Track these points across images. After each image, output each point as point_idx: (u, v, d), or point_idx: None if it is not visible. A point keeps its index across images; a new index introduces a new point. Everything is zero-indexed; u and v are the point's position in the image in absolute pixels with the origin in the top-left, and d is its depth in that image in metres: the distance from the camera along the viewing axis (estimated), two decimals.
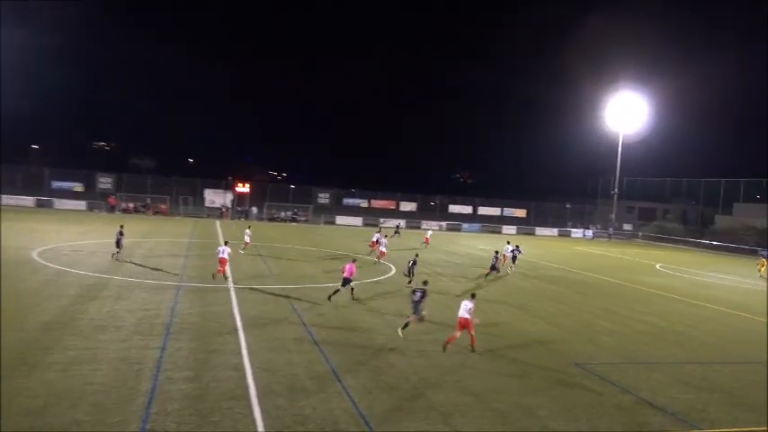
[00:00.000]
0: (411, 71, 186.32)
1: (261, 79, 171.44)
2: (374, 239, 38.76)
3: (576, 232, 79.03)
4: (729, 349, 19.76)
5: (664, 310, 26.57)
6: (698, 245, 71.31)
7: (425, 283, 18.86)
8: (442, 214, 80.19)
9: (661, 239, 77.58)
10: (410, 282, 26.83)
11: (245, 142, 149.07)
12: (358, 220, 71.04)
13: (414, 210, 79.05)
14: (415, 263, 27.85)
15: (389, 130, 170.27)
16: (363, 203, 77.75)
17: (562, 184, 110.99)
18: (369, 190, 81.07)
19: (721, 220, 79.11)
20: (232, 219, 65.50)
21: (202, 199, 68.58)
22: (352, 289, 22.63)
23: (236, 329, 16.93)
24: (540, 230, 77.49)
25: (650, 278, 38.11)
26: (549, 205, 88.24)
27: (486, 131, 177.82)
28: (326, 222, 69.14)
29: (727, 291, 34.59)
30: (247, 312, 19.13)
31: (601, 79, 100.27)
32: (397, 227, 58.71)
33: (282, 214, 69.41)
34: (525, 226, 78.76)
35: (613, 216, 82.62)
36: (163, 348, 14.67)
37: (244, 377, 13.05)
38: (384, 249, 35.13)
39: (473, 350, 16.53)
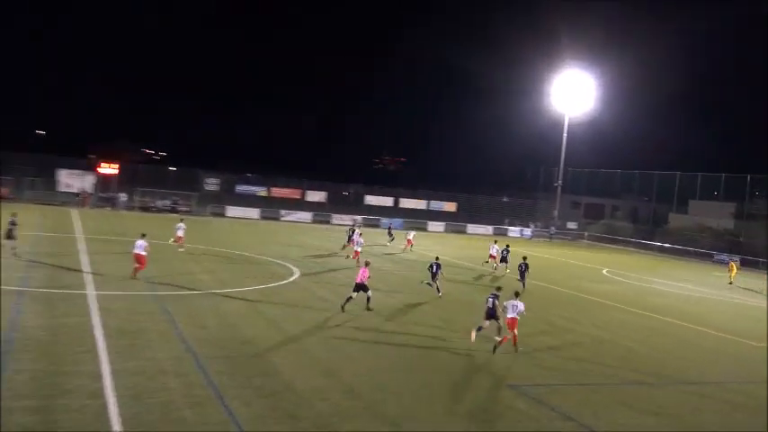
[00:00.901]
0: (327, 39, 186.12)
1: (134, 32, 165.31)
2: (351, 237, 41.86)
3: (514, 231, 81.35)
4: (680, 367, 20.82)
5: (610, 321, 27.72)
6: (649, 247, 75.09)
7: (499, 289, 21.08)
8: (357, 207, 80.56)
9: (609, 240, 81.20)
10: (439, 293, 28.85)
11: (112, 111, 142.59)
12: (254, 212, 70.31)
13: (323, 201, 79.02)
14: (438, 267, 29.50)
15: (295, 105, 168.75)
16: (261, 192, 77.03)
17: (498, 175, 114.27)
18: (268, 176, 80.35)
19: (675, 219, 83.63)
20: (93, 207, 63.16)
21: (55, 182, 65.69)
22: (368, 298, 23.91)
23: (95, 346, 16.34)
24: (472, 228, 79.29)
25: (596, 285, 39.70)
26: (484, 199, 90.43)
27: (412, 112, 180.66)
28: (214, 214, 67.93)
29: (679, 300, 36.57)
30: (111, 324, 18.52)
31: (545, 55, 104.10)
32: (351, 226, 54.42)
33: (159, 203, 67.66)
34: (455, 222, 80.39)
35: (556, 213, 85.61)
36: None
37: (104, 406, 12.55)
38: (359, 249, 38.28)
39: (516, 350, 19.84)
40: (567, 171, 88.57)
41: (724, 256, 66.83)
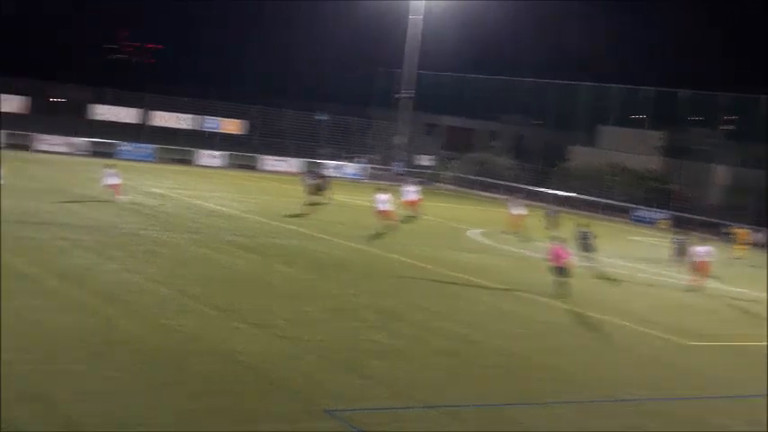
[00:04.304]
0: None
1: None
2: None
3: (334, 167, 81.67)
4: (581, 378, 21.97)
5: (479, 311, 28.65)
6: (540, 195, 76.05)
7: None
8: (77, 124, 77.56)
9: (481, 184, 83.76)
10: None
11: None
12: None
13: (18, 110, 74.96)
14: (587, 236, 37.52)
15: None
16: None
17: (310, 79, 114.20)
18: None
19: (578, 154, 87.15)
20: None
21: None
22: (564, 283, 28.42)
23: None
24: (269, 162, 79.58)
25: (457, 254, 40.91)
26: (288, 116, 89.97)
27: None
28: None
29: (584, 278, 38.19)
30: None
31: None
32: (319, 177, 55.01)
33: None
34: (241, 153, 79.82)
35: (401, 140, 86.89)
36: None
37: None
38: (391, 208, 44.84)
39: None
40: (418, 76, 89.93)
41: (645, 213, 70.75)
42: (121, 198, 44.54)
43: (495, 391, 19.91)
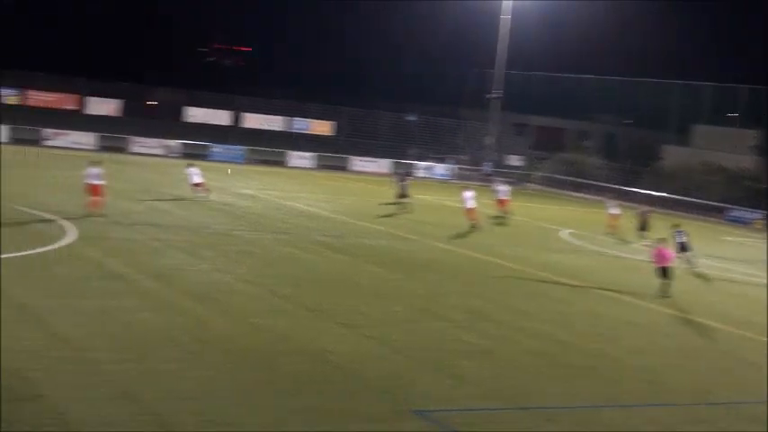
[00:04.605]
0: None
1: None
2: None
3: (423, 168, 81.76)
4: (674, 381, 21.55)
5: (569, 312, 28.35)
6: (631, 195, 74.61)
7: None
8: (174, 125, 78.99)
9: (571, 185, 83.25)
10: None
11: None
12: None
13: (113, 113, 76.81)
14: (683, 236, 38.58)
15: None
16: (11, 98, 74.20)
17: (400, 81, 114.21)
18: (22, 73, 77.60)
19: (672, 154, 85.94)
20: None
21: None
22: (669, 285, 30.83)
23: None
24: (357, 163, 79.92)
25: (548, 255, 40.48)
26: (376, 116, 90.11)
27: None
28: None
29: (683, 280, 37.50)
30: None
31: None
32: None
33: None
34: (329, 154, 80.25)
35: (491, 140, 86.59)
36: None
37: None
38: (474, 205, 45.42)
39: None
40: (508, 76, 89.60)
41: (740, 213, 69.40)
42: (205, 195, 46.04)
43: (587, 392, 19.69)
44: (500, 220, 49.73)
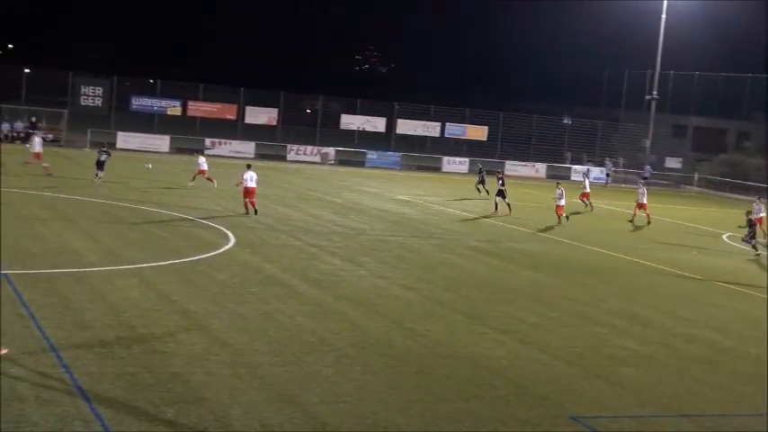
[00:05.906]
0: None
1: None
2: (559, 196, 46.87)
3: (580, 172, 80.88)
4: None
5: (731, 317, 27.69)
6: None
7: None
8: (330, 133, 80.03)
9: (734, 187, 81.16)
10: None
11: None
12: (161, 141, 70.03)
13: (272, 123, 78.36)
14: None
15: None
16: (173, 109, 76.27)
17: (555, 83, 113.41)
18: (184, 84, 79.53)
19: None
20: None
21: None
22: None
23: None
24: (513, 167, 79.33)
25: (709, 259, 39.79)
26: (530, 121, 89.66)
27: None
28: (97, 144, 67.51)
29: None
30: None
31: None
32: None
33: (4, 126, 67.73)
34: (485, 159, 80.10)
35: (648, 143, 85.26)
36: None
37: None
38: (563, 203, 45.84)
39: None
40: (666, 76, 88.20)
41: None
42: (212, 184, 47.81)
43: (752, 400, 19.14)
44: (649, 223, 48.83)
